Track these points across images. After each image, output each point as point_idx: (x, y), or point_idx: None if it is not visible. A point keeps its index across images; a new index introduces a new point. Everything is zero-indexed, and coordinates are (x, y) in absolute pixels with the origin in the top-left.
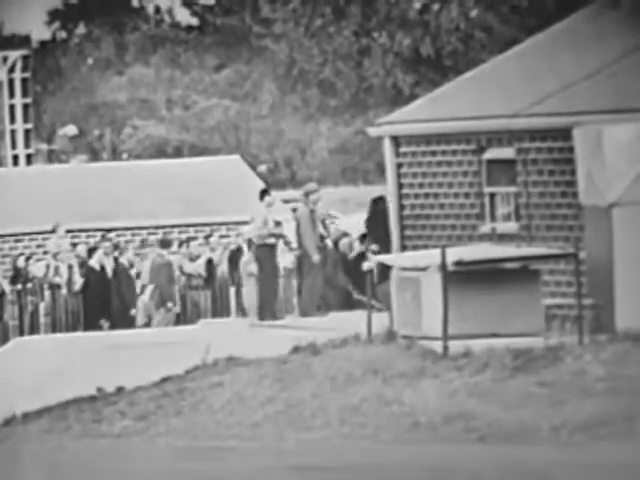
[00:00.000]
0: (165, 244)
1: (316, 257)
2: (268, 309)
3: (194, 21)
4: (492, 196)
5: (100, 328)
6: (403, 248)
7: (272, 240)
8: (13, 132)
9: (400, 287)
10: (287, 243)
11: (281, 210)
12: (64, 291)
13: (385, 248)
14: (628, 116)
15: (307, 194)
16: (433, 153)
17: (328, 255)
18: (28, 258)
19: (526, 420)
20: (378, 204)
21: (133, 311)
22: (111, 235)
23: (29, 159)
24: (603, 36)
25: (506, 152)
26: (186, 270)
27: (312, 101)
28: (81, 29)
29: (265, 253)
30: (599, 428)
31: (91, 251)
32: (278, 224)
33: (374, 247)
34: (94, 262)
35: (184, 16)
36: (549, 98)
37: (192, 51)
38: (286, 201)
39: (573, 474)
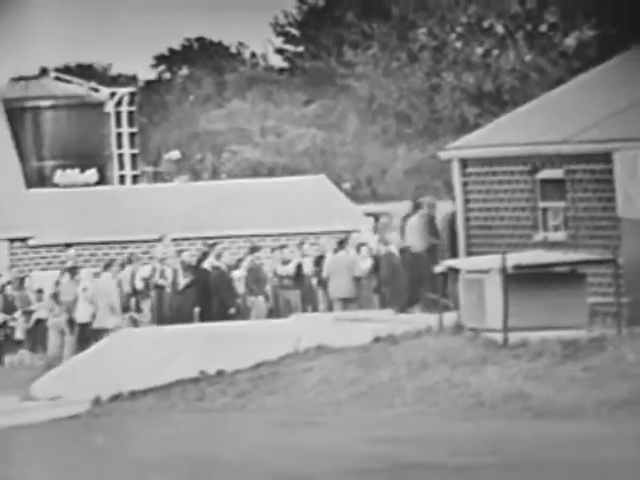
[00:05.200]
0: (254, 250)
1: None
2: (400, 304)
3: (285, 64)
4: (544, 210)
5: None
6: (469, 254)
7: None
8: (120, 156)
9: (466, 287)
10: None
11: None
12: (168, 290)
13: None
14: None
15: (423, 205)
16: (495, 173)
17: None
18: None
19: (573, 399)
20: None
21: (232, 310)
22: (215, 242)
23: (135, 179)
24: (637, 76)
25: (556, 173)
26: (279, 272)
27: (390, 130)
28: (184, 71)
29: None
30: (635, 405)
31: (203, 255)
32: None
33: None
34: (206, 265)
35: (276, 61)
36: (593, 127)
37: (284, 89)
38: (368, 214)
39: (612, 445)
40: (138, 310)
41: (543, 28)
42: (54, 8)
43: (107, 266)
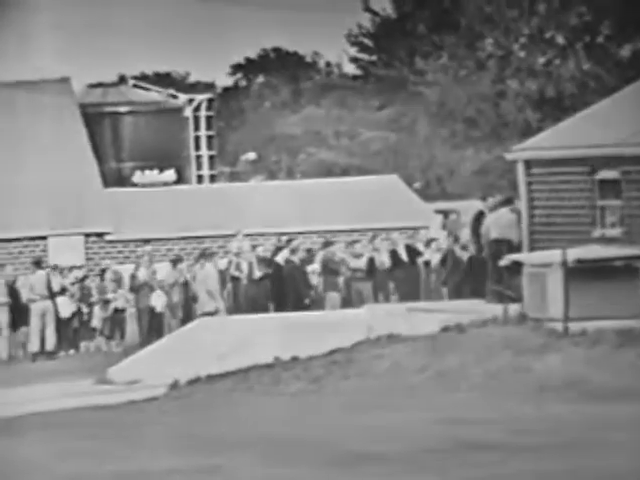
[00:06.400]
0: (327, 244)
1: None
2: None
3: (359, 72)
4: (602, 208)
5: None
6: (532, 249)
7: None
8: (198, 157)
9: (530, 280)
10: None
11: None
12: (244, 282)
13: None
14: None
15: (514, 200)
16: (556, 174)
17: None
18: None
19: (629, 384)
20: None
21: (307, 300)
22: (291, 237)
23: (212, 179)
24: None
25: (613, 174)
26: (351, 265)
27: (459, 133)
28: (260, 79)
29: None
30: None
31: (277, 250)
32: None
33: None
34: (279, 259)
35: (351, 69)
36: None
37: (357, 96)
38: (438, 211)
39: None
40: None
41: (600, 40)
42: (135, 20)
43: (207, 256)
